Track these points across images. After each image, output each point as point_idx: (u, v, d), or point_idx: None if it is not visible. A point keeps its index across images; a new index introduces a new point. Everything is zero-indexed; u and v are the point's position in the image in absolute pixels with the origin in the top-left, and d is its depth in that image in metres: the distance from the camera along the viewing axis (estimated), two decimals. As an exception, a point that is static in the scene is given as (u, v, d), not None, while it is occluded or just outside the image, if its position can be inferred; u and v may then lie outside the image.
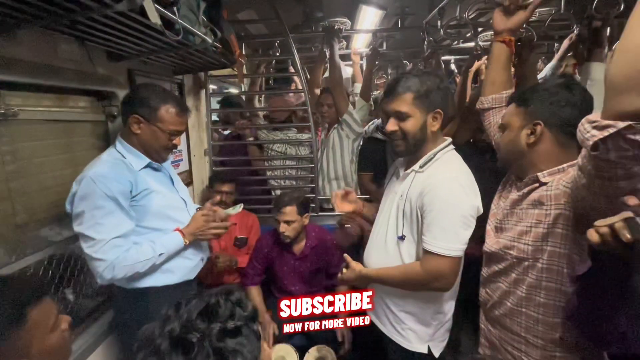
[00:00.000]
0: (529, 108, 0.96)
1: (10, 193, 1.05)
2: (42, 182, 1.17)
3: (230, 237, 1.98)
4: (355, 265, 1.20)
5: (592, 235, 0.63)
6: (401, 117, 1.09)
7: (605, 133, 0.60)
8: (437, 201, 1.02)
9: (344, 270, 1.21)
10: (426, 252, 1.05)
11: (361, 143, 2.34)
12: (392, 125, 1.11)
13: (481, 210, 1.08)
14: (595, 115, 0.63)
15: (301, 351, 1.65)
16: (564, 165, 0.92)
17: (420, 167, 1.12)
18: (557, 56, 2.10)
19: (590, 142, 0.63)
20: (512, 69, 2.13)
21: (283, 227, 1.68)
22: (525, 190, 0.97)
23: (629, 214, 0.59)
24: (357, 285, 1.22)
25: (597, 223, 0.62)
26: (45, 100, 1.16)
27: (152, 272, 1.18)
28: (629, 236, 0.57)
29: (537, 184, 0.94)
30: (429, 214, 1.04)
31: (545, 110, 0.93)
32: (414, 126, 1.09)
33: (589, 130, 0.63)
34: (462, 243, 1.04)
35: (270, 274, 1.89)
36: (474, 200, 1.05)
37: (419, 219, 1.08)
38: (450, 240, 1.02)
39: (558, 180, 0.90)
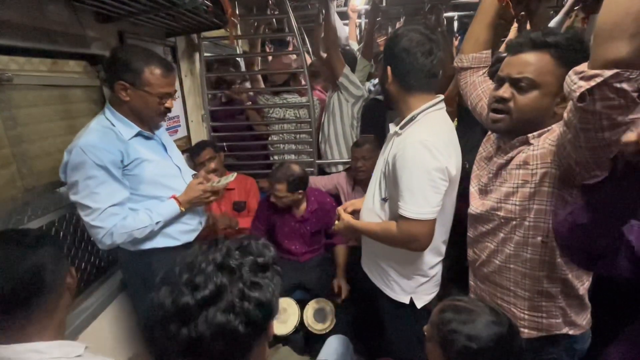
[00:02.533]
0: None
1: (15, 158, 1.09)
2: (44, 148, 1.20)
3: (229, 202, 2.03)
4: (345, 216, 1.27)
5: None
6: None
7: (592, 83, 0.59)
8: (405, 164, 1.02)
9: (336, 222, 1.31)
10: (400, 216, 1.06)
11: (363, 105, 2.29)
12: None
13: (453, 173, 1.06)
14: (582, 66, 0.62)
15: (301, 304, 1.77)
16: (553, 125, 0.89)
17: (400, 128, 1.10)
18: (563, 9, 1.99)
19: (577, 93, 0.62)
20: (516, 24, 2.05)
21: (273, 198, 1.79)
22: (514, 153, 0.94)
23: None
24: (347, 235, 1.30)
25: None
26: (38, 65, 1.16)
27: (152, 237, 1.22)
28: None
29: (525, 146, 0.92)
30: (400, 178, 1.04)
31: None
32: (380, 76, 1.17)
33: (575, 82, 0.62)
34: (432, 206, 1.03)
35: (271, 235, 1.97)
36: (441, 162, 1.01)
37: (395, 182, 1.09)
38: (419, 204, 1.02)
39: (544, 139, 0.88)
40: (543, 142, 0.88)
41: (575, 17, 2.02)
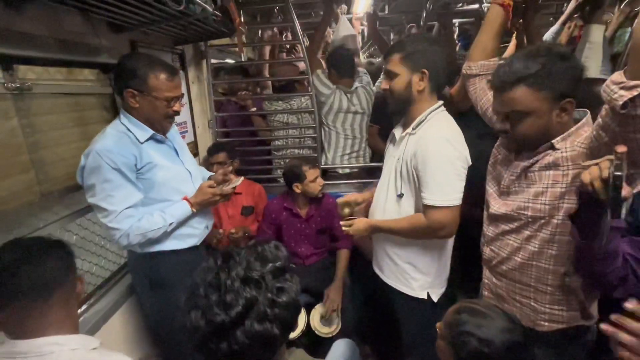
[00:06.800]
0: (556, 89, 0.90)
1: (34, 164, 1.12)
2: (59, 154, 1.23)
3: (236, 207, 2.04)
4: (361, 218, 1.31)
5: (585, 176, 0.73)
6: (390, 75, 1.19)
7: (634, 92, 0.68)
8: (430, 159, 1.11)
9: (349, 224, 1.31)
10: (427, 206, 1.13)
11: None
12: (384, 84, 1.23)
13: (470, 162, 1.17)
14: (619, 77, 0.71)
15: (307, 308, 1.79)
16: (572, 129, 0.95)
17: (413, 129, 1.19)
18: (561, 19, 2.02)
19: (620, 102, 0.70)
20: (515, 33, 2.09)
21: (320, 182, 1.82)
22: (539, 157, 0.98)
23: (611, 157, 0.69)
24: (363, 234, 1.30)
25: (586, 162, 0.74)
26: (55, 74, 1.19)
27: (162, 239, 1.27)
28: (606, 173, 0.68)
29: (550, 150, 0.97)
30: (424, 172, 1.12)
31: (570, 84, 0.91)
32: (400, 85, 1.17)
33: (615, 91, 0.71)
34: (458, 192, 1.13)
35: (278, 238, 1.99)
36: (462, 152, 1.14)
37: (415, 178, 1.17)
38: (447, 192, 1.11)
39: (571, 142, 0.93)
40: (572, 145, 0.93)
41: (575, 26, 2.04)
